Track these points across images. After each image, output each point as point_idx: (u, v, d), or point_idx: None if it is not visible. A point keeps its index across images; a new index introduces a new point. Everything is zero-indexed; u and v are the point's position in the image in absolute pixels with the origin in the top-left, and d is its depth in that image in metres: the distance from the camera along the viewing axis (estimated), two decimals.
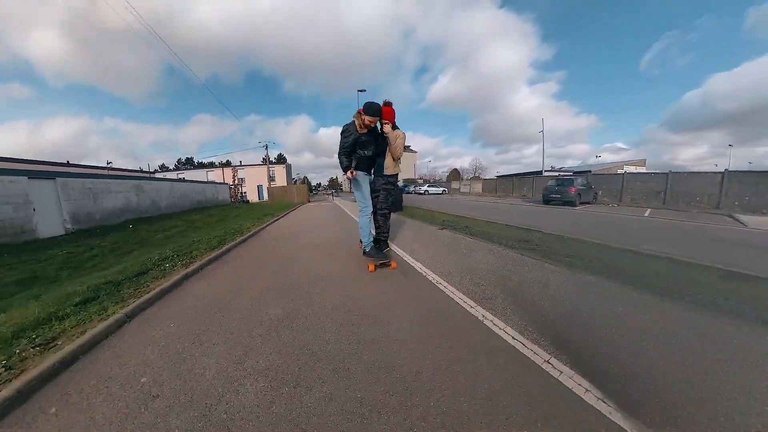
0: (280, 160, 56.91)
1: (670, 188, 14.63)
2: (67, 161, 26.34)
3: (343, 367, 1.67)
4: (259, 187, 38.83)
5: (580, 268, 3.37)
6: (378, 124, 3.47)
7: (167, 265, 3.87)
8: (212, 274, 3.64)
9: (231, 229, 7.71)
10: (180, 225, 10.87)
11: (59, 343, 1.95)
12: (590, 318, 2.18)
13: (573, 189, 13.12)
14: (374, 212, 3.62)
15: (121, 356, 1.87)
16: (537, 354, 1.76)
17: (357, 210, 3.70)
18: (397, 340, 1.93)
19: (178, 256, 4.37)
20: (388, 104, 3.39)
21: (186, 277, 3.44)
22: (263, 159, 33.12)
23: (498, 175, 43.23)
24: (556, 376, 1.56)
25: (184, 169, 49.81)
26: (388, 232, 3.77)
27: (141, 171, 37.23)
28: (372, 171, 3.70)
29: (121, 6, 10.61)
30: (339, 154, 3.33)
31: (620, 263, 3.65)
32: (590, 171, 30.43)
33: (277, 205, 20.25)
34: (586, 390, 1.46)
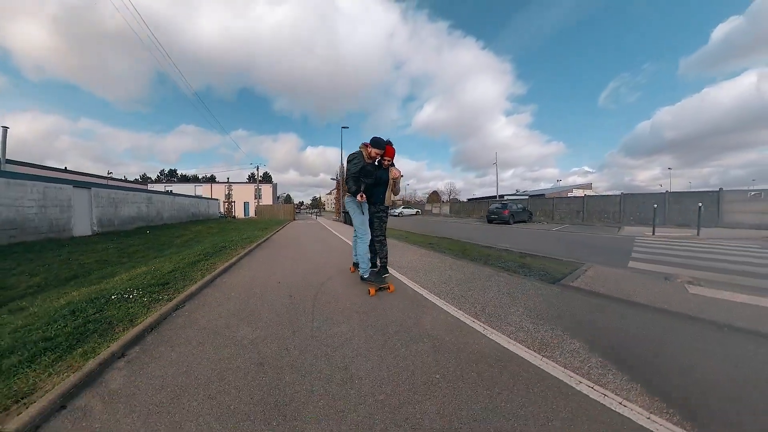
0: (266, 178, 59.02)
1: (586, 208, 18.60)
2: (65, 167, 27.17)
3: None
4: (246, 204, 40.68)
5: (448, 253, 6.38)
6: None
7: (231, 247, 6.71)
8: (261, 251, 6.55)
9: (244, 236, 10.00)
10: (188, 234, 12.93)
11: (218, 268, 4.50)
12: (431, 267, 5.11)
13: (506, 211, 16.73)
14: (371, 239, 3.74)
15: (257, 259, 5.14)
16: (403, 276, 4.62)
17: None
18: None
19: (228, 246, 6.96)
20: (389, 143, 3.58)
21: (252, 249, 6.76)
22: (249, 177, 35.33)
23: (469, 198, 47.87)
24: (396, 276, 4.44)
25: (169, 182, 50.23)
26: (386, 257, 3.80)
27: (126, 180, 37.88)
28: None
29: (122, 6, 13.13)
30: (347, 179, 3.56)
31: (477, 251, 6.68)
32: (544, 194, 35.06)
33: (266, 221, 22.42)
34: (410, 281, 4.34)
